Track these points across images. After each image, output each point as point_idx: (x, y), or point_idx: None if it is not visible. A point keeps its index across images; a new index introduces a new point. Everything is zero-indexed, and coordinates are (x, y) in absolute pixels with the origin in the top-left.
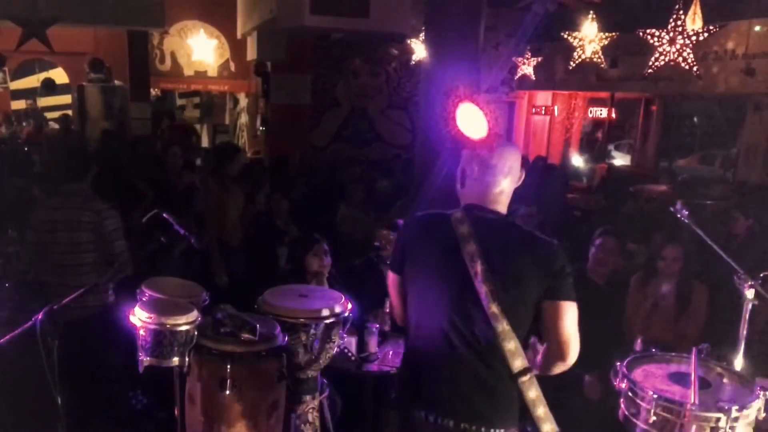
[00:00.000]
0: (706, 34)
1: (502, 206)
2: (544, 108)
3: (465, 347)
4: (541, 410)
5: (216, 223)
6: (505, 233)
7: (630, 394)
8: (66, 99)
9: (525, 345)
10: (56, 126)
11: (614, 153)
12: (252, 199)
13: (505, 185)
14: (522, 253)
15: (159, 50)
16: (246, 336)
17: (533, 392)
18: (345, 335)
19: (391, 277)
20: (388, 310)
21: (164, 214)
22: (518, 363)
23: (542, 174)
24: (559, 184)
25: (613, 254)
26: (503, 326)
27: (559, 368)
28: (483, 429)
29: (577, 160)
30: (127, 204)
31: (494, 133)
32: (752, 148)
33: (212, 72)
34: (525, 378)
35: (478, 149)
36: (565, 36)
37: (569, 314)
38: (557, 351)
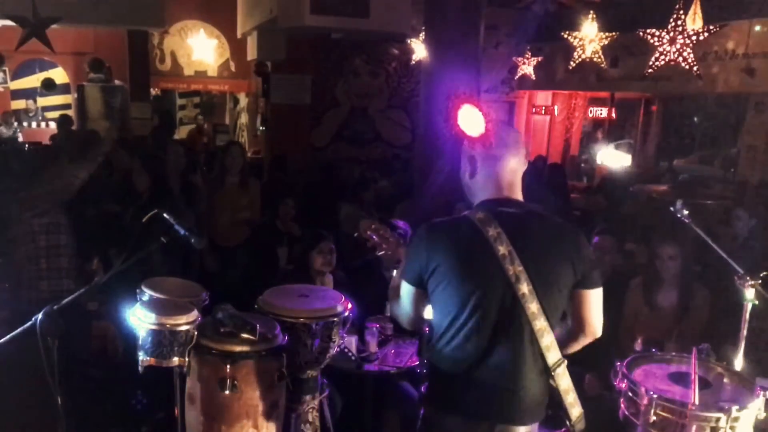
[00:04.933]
0: (706, 34)
1: (518, 191)
2: (544, 108)
3: (503, 349)
4: (572, 396)
5: (208, 223)
6: (533, 228)
7: (630, 394)
8: (66, 99)
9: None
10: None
11: (614, 153)
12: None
13: (515, 164)
14: (555, 247)
15: (159, 50)
16: (246, 336)
17: (565, 382)
18: (345, 335)
19: (408, 290)
20: (389, 314)
21: (164, 214)
22: (553, 356)
23: (545, 173)
24: (563, 183)
25: (610, 253)
26: (541, 323)
27: (582, 345)
28: (518, 427)
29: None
30: (121, 201)
31: (493, 129)
32: (752, 148)
33: (212, 72)
34: (559, 369)
35: (477, 145)
36: (565, 36)
37: (599, 300)
38: (587, 333)
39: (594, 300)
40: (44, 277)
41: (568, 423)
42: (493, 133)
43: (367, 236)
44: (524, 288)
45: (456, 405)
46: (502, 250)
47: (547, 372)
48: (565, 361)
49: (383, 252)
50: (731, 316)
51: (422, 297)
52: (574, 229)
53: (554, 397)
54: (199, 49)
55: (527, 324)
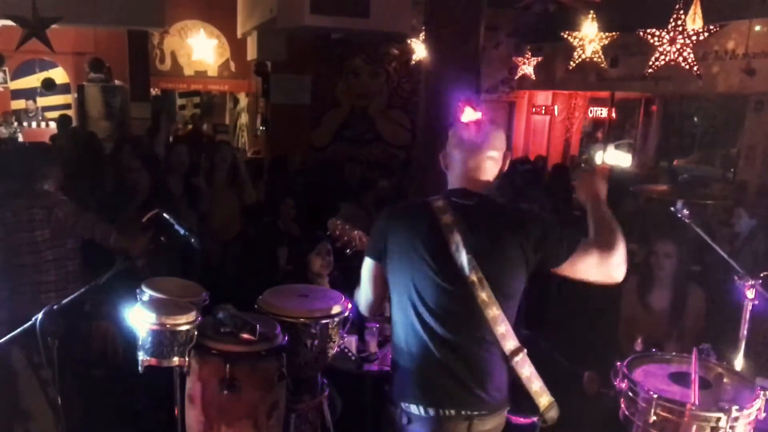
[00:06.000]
0: (706, 34)
1: (481, 186)
2: (544, 108)
3: (458, 336)
4: (537, 385)
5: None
6: (488, 218)
7: (630, 394)
8: (66, 99)
9: (516, 323)
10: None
11: (614, 153)
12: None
13: (480, 162)
14: (509, 235)
15: (159, 50)
16: (246, 336)
17: (527, 370)
18: (345, 335)
19: (369, 264)
20: (388, 314)
21: (164, 214)
22: (510, 344)
23: (545, 173)
24: (567, 184)
25: None
26: (494, 312)
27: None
28: (483, 414)
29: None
30: (120, 198)
31: (486, 118)
32: (752, 148)
33: (212, 72)
34: (518, 358)
35: (468, 129)
36: (565, 36)
37: (588, 251)
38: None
39: (584, 254)
40: (51, 289)
41: (537, 414)
42: (465, 131)
43: (336, 236)
44: (473, 277)
45: (418, 394)
46: (454, 238)
47: (504, 359)
48: (525, 350)
49: (352, 250)
50: (731, 316)
51: (381, 274)
52: (531, 213)
53: (522, 387)
54: (199, 49)
55: (480, 312)
